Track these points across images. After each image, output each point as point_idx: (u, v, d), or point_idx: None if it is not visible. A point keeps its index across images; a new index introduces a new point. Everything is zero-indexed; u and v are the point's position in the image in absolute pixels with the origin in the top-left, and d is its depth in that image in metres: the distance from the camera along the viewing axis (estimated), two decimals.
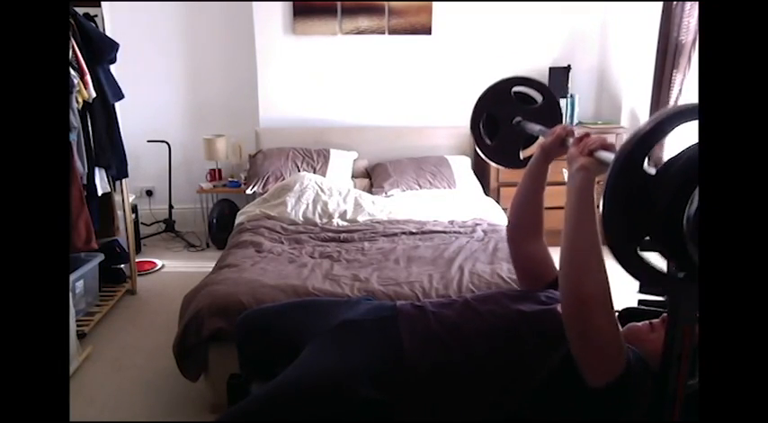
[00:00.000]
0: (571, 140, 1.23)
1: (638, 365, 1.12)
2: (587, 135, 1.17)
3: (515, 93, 1.62)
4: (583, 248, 1.07)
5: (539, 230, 1.46)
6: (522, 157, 1.65)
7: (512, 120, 1.60)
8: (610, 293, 1.06)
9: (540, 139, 1.48)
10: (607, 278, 1.06)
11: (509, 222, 1.51)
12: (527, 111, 1.61)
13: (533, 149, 1.53)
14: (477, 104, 1.62)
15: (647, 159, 0.86)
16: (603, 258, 1.06)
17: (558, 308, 1.25)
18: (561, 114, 1.63)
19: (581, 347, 1.08)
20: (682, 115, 0.84)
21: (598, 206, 0.93)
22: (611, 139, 3.83)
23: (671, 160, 0.82)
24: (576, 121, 4.01)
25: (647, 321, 1.28)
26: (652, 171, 0.84)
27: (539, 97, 1.64)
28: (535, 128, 1.52)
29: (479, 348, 1.23)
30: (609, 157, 1.07)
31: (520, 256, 1.50)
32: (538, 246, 1.46)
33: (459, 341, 1.24)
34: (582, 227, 1.08)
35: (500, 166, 1.75)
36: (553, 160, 1.40)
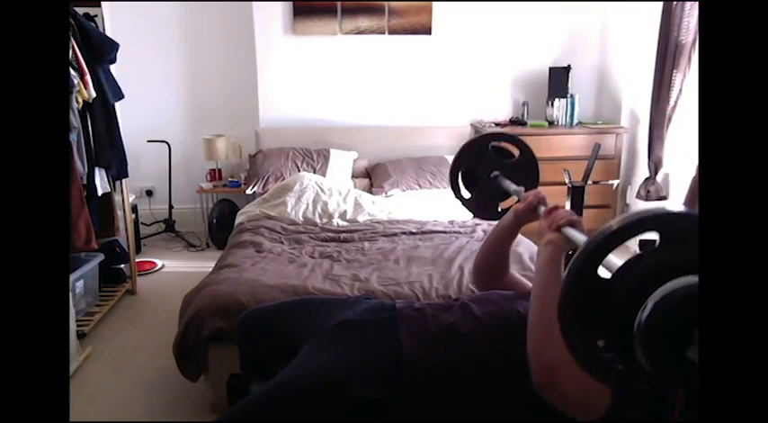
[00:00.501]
0: (542, 209, 1.30)
1: (626, 392, 1.12)
2: (556, 208, 1.24)
3: (493, 146, 1.68)
4: (547, 320, 1.09)
5: (504, 271, 1.51)
6: (500, 208, 1.71)
7: (490, 173, 1.66)
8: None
9: (514, 199, 1.55)
10: None
11: (475, 267, 1.56)
12: (505, 164, 1.67)
13: (511, 202, 1.58)
14: (455, 159, 1.68)
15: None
16: None
17: None
18: (538, 169, 1.69)
19: (556, 405, 1.10)
20: (639, 224, 0.85)
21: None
22: (610, 139, 3.84)
23: (625, 265, 0.84)
24: (575, 121, 4.01)
25: None
26: (607, 275, 0.87)
27: (516, 152, 1.70)
28: (511, 187, 1.59)
29: (478, 349, 1.23)
30: (575, 235, 1.14)
31: (485, 290, 1.53)
32: (504, 281, 1.51)
33: (457, 343, 1.25)
34: (547, 299, 1.12)
35: (479, 218, 1.81)
36: (525, 225, 1.45)
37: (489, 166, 1.66)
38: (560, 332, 0.88)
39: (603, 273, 0.87)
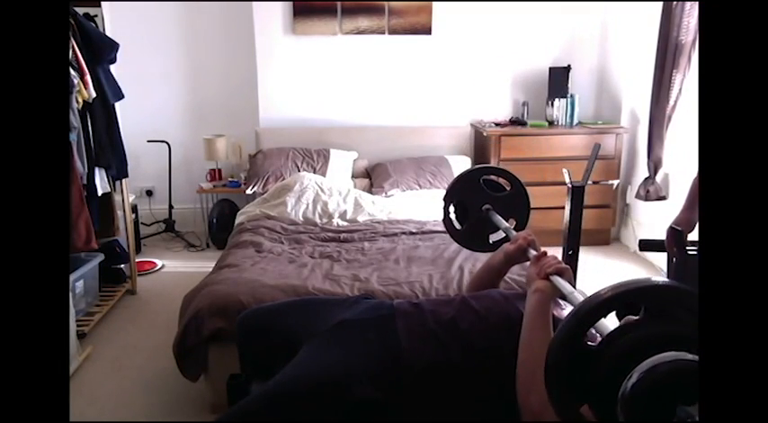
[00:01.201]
0: (532, 253, 1.35)
1: None
2: (544, 255, 1.29)
3: (485, 180, 1.72)
4: (534, 364, 1.10)
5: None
6: (491, 241, 1.74)
7: (481, 207, 1.70)
8: None
9: (504, 241, 1.59)
10: None
11: (466, 291, 1.59)
12: (496, 198, 1.71)
13: (503, 233, 1.63)
14: (447, 192, 1.73)
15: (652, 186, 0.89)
16: None
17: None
18: (528, 202, 1.73)
19: None
20: (625, 296, 0.88)
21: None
22: (610, 139, 3.84)
23: (612, 335, 0.88)
24: (575, 121, 4.01)
25: None
26: (593, 343, 0.90)
27: (507, 185, 1.74)
28: (501, 224, 1.63)
29: (477, 345, 1.24)
30: (562, 284, 1.18)
31: None
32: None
33: (456, 338, 1.25)
34: (535, 343, 1.14)
35: (470, 250, 1.87)
36: (514, 265, 1.51)
37: (481, 198, 1.70)
38: (546, 392, 0.91)
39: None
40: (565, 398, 0.90)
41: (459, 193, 1.72)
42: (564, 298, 1.22)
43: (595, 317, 0.88)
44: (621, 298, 0.87)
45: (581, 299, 1.00)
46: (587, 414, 0.92)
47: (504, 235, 1.63)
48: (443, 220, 1.75)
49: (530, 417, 1.10)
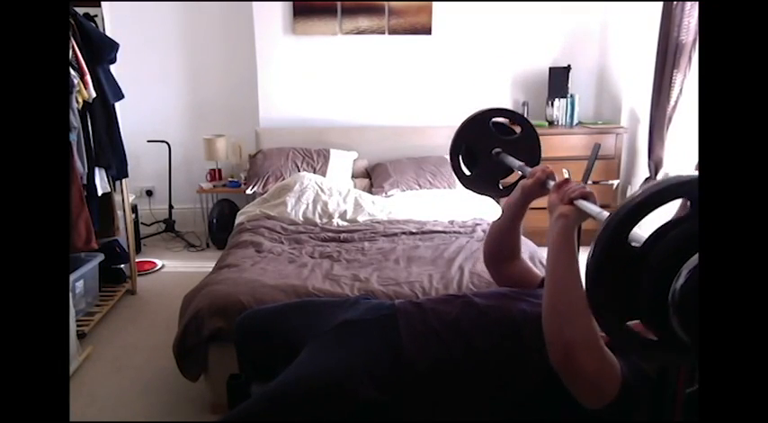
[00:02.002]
0: (551, 184, 1.26)
1: (635, 379, 1.11)
2: (567, 181, 1.20)
3: (494, 123, 1.64)
4: (564, 295, 1.08)
5: (516, 253, 1.49)
6: (501, 186, 1.67)
7: (491, 150, 1.62)
8: (595, 335, 1.06)
9: (518, 175, 1.51)
10: (591, 322, 1.05)
11: (485, 251, 1.53)
12: (506, 142, 1.63)
13: (514, 177, 1.55)
14: (455, 137, 1.65)
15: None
16: (586, 303, 1.06)
17: None
18: (539, 145, 1.65)
19: (570, 386, 1.08)
20: (669, 192, 0.82)
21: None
22: (610, 139, 3.84)
23: (656, 233, 0.81)
24: (576, 121, 4.01)
25: None
26: (637, 244, 0.83)
27: (518, 129, 1.66)
28: (515, 163, 1.55)
29: (479, 344, 1.23)
30: (589, 207, 1.10)
31: (502, 277, 1.52)
32: (518, 265, 1.48)
33: (458, 337, 1.24)
34: (562, 274, 1.09)
35: (481, 195, 1.78)
36: (533, 200, 1.41)
37: (490, 143, 1.62)
38: (589, 306, 0.85)
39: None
40: (611, 310, 0.83)
41: (467, 136, 1.64)
42: (593, 219, 1.10)
43: (639, 214, 0.81)
44: (665, 193, 0.80)
45: None
46: (640, 329, 0.86)
47: (515, 180, 1.54)
48: (452, 165, 1.67)
49: (562, 354, 1.05)
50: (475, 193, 1.75)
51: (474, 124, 1.63)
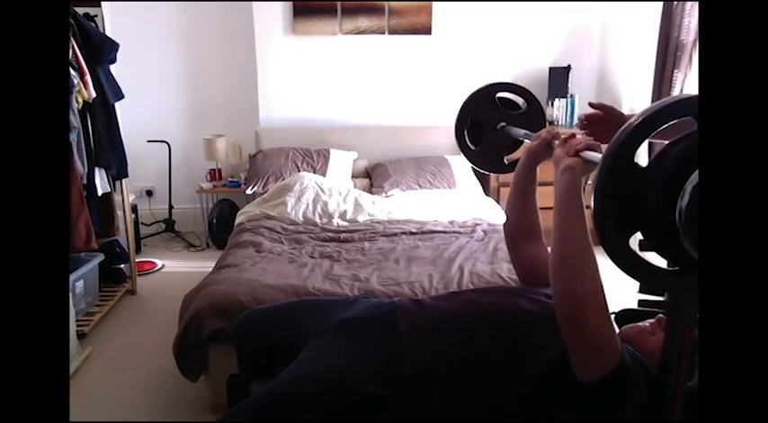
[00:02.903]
0: (557, 143, 1.24)
1: (632, 362, 1.12)
2: (573, 136, 1.19)
3: (499, 98, 1.64)
4: (572, 248, 1.08)
5: (536, 231, 1.47)
6: (506, 161, 1.66)
7: (496, 125, 1.61)
8: (602, 292, 1.06)
9: (526, 143, 1.49)
10: (599, 277, 1.06)
11: (506, 225, 1.52)
12: (511, 116, 1.62)
13: (518, 154, 1.54)
14: (460, 111, 1.64)
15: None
16: (594, 257, 1.06)
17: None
18: (545, 119, 1.64)
19: (574, 345, 1.08)
20: (676, 108, 0.83)
21: (588, 207, 0.93)
22: None
23: (662, 152, 0.82)
24: (576, 121, 4.01)
25: (645, 322, 1.28)
26: (643, 164, 0.84)
27: (522, 103, 1.66)
28: (520, 132, 1.54)
29: (478, 339, 1.23)
30: (595, 156, 1.08)
31: (519, 258, 1.50)
32: (537, 247, 1.46)
33: (457, 333, 1.25)
34: (571, 227, 1.09)
35: (485, 171, 1.77)
36: (540, 163, 1.41)
37: (495, 117, 1.61)
38: (595, 226, 0.85)
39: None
40: (616, 227, 0.83)
41: (473, 109, 1.63)
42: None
43: (645, 132, 0.81)
44: (666, 111, 0.81)
45: None
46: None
47: (519, 156, 1.52)
48: (456, 139, 1.66)
49: (571, 306, 1.05)
50: (481, 170, 1.73)
51: (480, 98, 1.63)
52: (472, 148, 1.66)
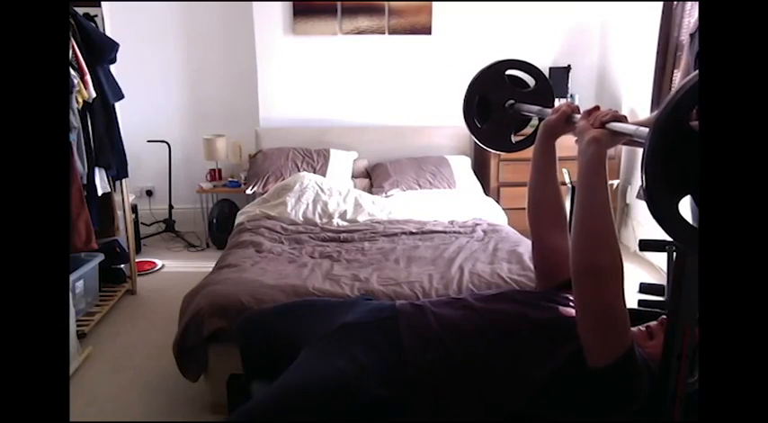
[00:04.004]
0: (578, 116, 1.21)
1: (638, 353, 1.12)
2: (597, 108, 1.16)
3: (508, 76, 1.61)
4: (596, 220, 1.06)
5: (561, 219, 1.41)
6: (513, 141, 1.64)
7: (504, 103, 1.59)
8: (622, 268, 1.05)
9: (530, 130, 1.47)
10: (619, 252, 1.05)
11: (528, 212, 1.45)
12: (520, 94, 1.60)
13: (525, 133, 1.52)
14: (469, 87, 1.61)
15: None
16: (615, 232, 1.06)
17: (561, 311, 1.25)
18: (553, 98, 1.61)
19: (590, 321, 1.07)
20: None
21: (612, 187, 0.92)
22: None
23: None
24: None
25: (642, 326, 1.28)
26: (696, 125, 0.82)
27: (531, 81, 1.63)
28: (533, 108, 1.50)
29: (479, 346, 1.23)
30: (625, 127, 1.05)
31: (541, 249, 1.44)
32: (560, 239, 1.39)
33: (457, 339, 1.25)
34: (594, 199, 1.07)
35: (492, 150, 1.75)
36: (558, 138, 1.36)
37: (504, 95, 1.58)
38: (644, 188, 0.83)
39: None
40: (666, 190, 0.82)
41: (482, 87, 1.60)
42: (630, 141, 1.08)
43: (694, 96, 0.79)
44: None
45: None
46: None
47: (526, 135, 1.49)
48: (464, 117, 1.63)
49: (592, 279, 1.04)
50: (489, 149, 1.71)
51: (489, 75, 1.60)
52: (479, 126, 1.63)
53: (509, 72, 1.61)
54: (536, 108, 1.49)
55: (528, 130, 1.58)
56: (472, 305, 1.33)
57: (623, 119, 1.09)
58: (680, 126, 0.82)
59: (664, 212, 0.85)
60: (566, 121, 1.30)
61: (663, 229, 0.86)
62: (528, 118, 1.61)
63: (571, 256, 1.10)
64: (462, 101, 1.62)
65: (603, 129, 1.09)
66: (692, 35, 2.40)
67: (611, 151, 3.68)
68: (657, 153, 0.83)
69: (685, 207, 0.89)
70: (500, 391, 1.20)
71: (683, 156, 0.81)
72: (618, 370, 1.07)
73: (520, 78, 1.64)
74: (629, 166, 4.00)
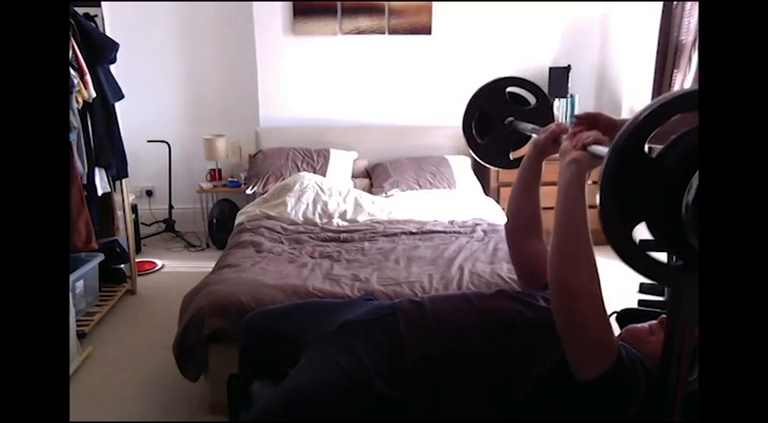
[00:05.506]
0: (564, 137, 1.24)
1: (630, 360, 1.12)
2: (581, 130, 1.18)
3: (509, 93, 1.62)
4: (572, 241, 1.08)
5: (537, 229, 1.46)
6: (512, 157, 1.66)
7: (504, 119, 1.61)
8: (599, 287, 1.06)
9: (534, 137, 1.49)
10: (596, 271, 1.06)
11: (507, 221, 1.51)
12: (520, 111, 1.62)
13: (524, 151, 1.53)
14: (470, 102, 1.63)
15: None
16: (593, 252, 1.06)
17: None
18: (553, 117, 1.63)
19: (570, 340, 1.08)
20: (688, 99, 0.82)
21: (592, 206, 0.93)
22: None
23: (670, 144, 0.82)
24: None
25: (645, 323, 1.28)
26: (652, 155, 0.83)
27: (532, 99, 1.64)
28: (528, 127, 1.53)
29: (477, 340, 1.24)
30: (603, 150, 1.07)
31: (519, 255, 1.50)
32: (537, 245, 1.45)
33: (454, 334, 1.26)
34: (571, 220, 1.08)
35: (490, 166, 1.76)
36: (546, 158, 1.39)
37: (504, 111, 1.60)
38: (599, 215, 0.84)
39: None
40: (621, 216, 0.83)
41: (482, 102, 1.62)
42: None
43: (657, 121, 0.81)
44: (672, 104, 0.81)
45: None
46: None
47: (524, 153, 1.51)
48: (463, 131, 1.65)
49: (566, 299, 1.06)
50: (486, 164, 1.72)
51: (490, 91, 1.62)
52: (479, 140, 1.65)
53: (510, 89, 1.63)
54: (530, 127, 1.51)
55: (526, 147, 1.59)
56: (471, 301, 1.33)
57: (605, 142, 1.11)
58: (635, 154, 0.83)
59: (619, 239, 0.86)
60: (554, 141, 1.33)
61: (617, 254, 0.87)
62: (528, 136, 1.62)
63: (548, 273, 1.11)
64: (462, 115, 1.64)
65: (585, 151, 1.11)
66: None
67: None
68: (612, 178, 0.83)
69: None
70: (498, 385, 1.20)
71: (639, 181, 0.82)
72: (606, 381, 1.08)
73: (521, 96, 1.66)
74: None
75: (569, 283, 1.06)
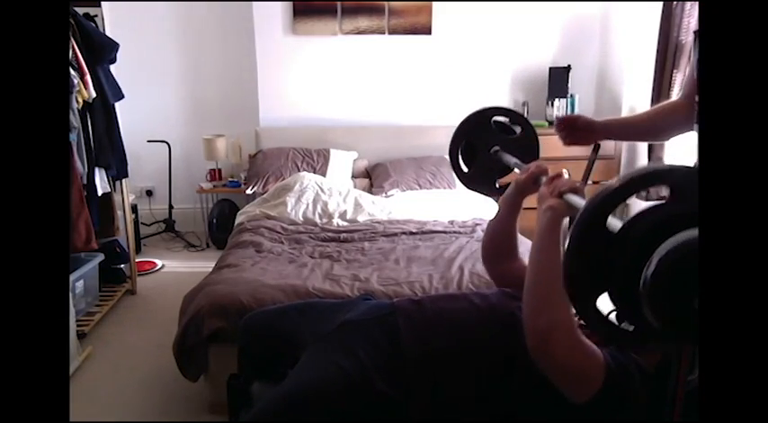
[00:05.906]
0: (544, 179, 1.28)
1: (619, 366, 1.12)
2: (559, 176, 1.22)
3: (495, 122, 1.65)
4: (544, 284, 1.10)
5: (513, 252, 1.49)
6: (498, 185, 1.68)
7: (490, 148, 1.63)
8: (571, 322, 1.07)
9: (516, 172, 1.52)
10: (569, 312, 1.07)
11: (483, 250, 1.53)
12: (506, 140, 1.64)
13: (510, 178, 1.55)
14: (456, 131, 1.66)
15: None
16: (563, 293, 1.07)
17: None
18: (538, 146, 1.66)
19: (552, 377, 1.10)
20: (652, 177, 0.85)
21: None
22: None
23: (633, 219, 0.84)
24: None
25: None
26: (616, 227, 0.86)
27: (518, 129, 1.67)
28: (511, 160, 1.56)
29: (474, 339, 1.24)
30: (576, 201, 1.12)
31: (498, 277, 1.52)
32: (513, 263, 1.47)
33: (454, 331, 1.26)
34: (545, 264, 1.12)
35: (476, 192, 1.78)
36: (527, 196, 1.43)
37: (490, 140, 1.62)
38: (564, 284, 0.87)
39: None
40: (585, 285, 0.86)
41: (468, 132, 1.65)
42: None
43: (619, 196, 0.84)
44: (641, 179, 0.84)
45: None
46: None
47: (511, 180, 1.54)
48: (450, 160, 1.68)
49: (536, 340, 1.08)
50: (473, 191, 1.75)
51: (476, 121, 1.64)
52: (465, 169, 1.68)
53: (496, 118, 1.66)
54: (514, 161, 1.54)
55: (512, 176, 1.61)
56: (471, 301, 1.34)
57: (579, 191, 1.15)
58: (598, 228, 0.85)
59: (583, 307, 0.88)
60: (534, 182, 1.36)
61: (582, 320, 0.89)
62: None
63: (523, 316, 1.13)
64: (448, 146, 1.67)
65: (561, 199, 1.15)
66: (695, 33, 2.41)
67: (610, 151, 3.67)
68: (577, 252, 0.86)
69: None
70: (497, 384, 1.20)
71: (602, 253, 0.84)
72: (598, 401, 1.08)
73: (506, 124, 1.68)
74: (630, 166, 3.99)
75: (539, 323, 1.08)
